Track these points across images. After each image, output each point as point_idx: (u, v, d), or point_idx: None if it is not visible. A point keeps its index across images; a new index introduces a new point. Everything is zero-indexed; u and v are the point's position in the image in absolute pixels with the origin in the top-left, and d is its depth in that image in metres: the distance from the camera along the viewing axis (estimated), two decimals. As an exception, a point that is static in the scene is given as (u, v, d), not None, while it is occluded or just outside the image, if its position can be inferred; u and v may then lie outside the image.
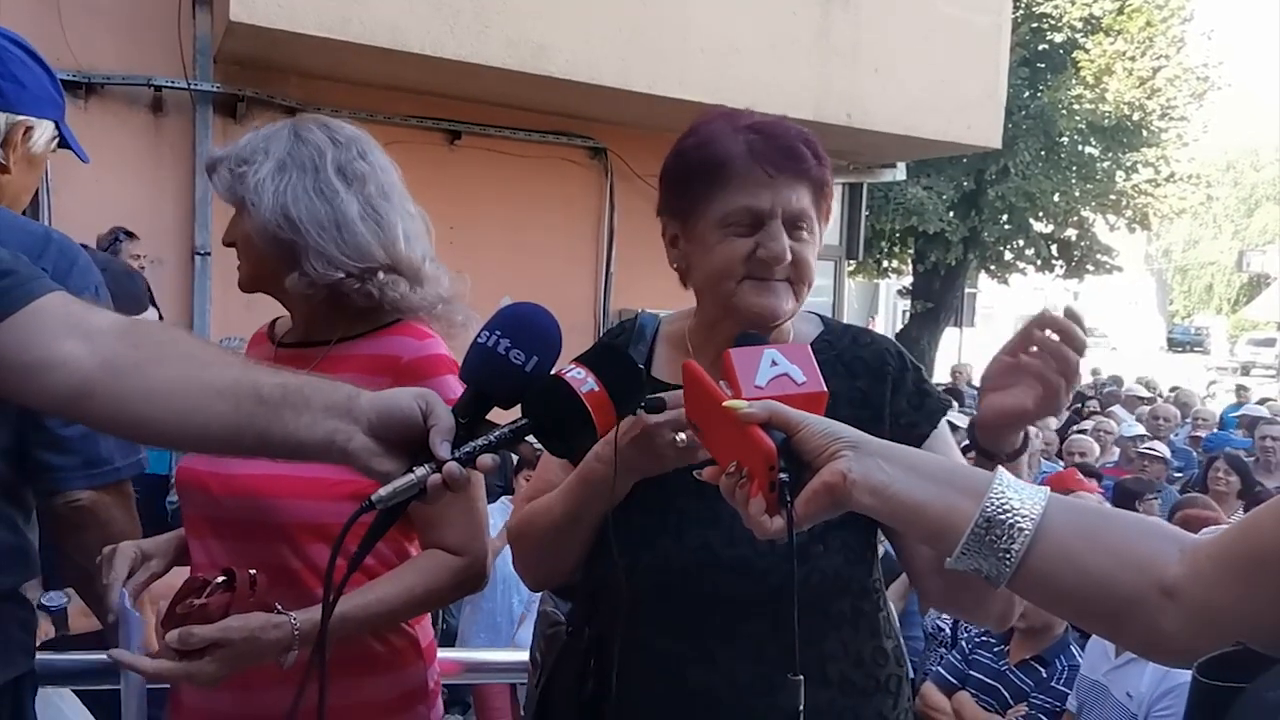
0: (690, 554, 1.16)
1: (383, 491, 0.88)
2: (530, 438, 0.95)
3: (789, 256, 1.16)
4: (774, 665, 1.14)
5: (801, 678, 0.78)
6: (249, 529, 1.31)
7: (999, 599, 1.14)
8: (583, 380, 0.92)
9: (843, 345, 1.26)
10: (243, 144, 1.40)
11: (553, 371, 0.95)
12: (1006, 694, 3.09)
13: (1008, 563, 0.77)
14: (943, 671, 3.29)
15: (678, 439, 1.04)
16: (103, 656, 1.56)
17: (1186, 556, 0.77)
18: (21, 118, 1.45)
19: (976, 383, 12.32)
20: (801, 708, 0.77)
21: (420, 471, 0.89)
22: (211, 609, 1.12)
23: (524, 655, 1.65)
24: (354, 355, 1.38)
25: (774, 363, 0.89)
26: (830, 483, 0.80)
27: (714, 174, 1.18)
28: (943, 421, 1.24)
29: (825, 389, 0.90)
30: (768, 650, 1.15)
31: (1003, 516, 0.77)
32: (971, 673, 3.20)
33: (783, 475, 0.80)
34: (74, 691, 1.81)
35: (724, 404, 0.84)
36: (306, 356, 1.39)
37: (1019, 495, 0.78)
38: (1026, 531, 0.77)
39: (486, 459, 0.91)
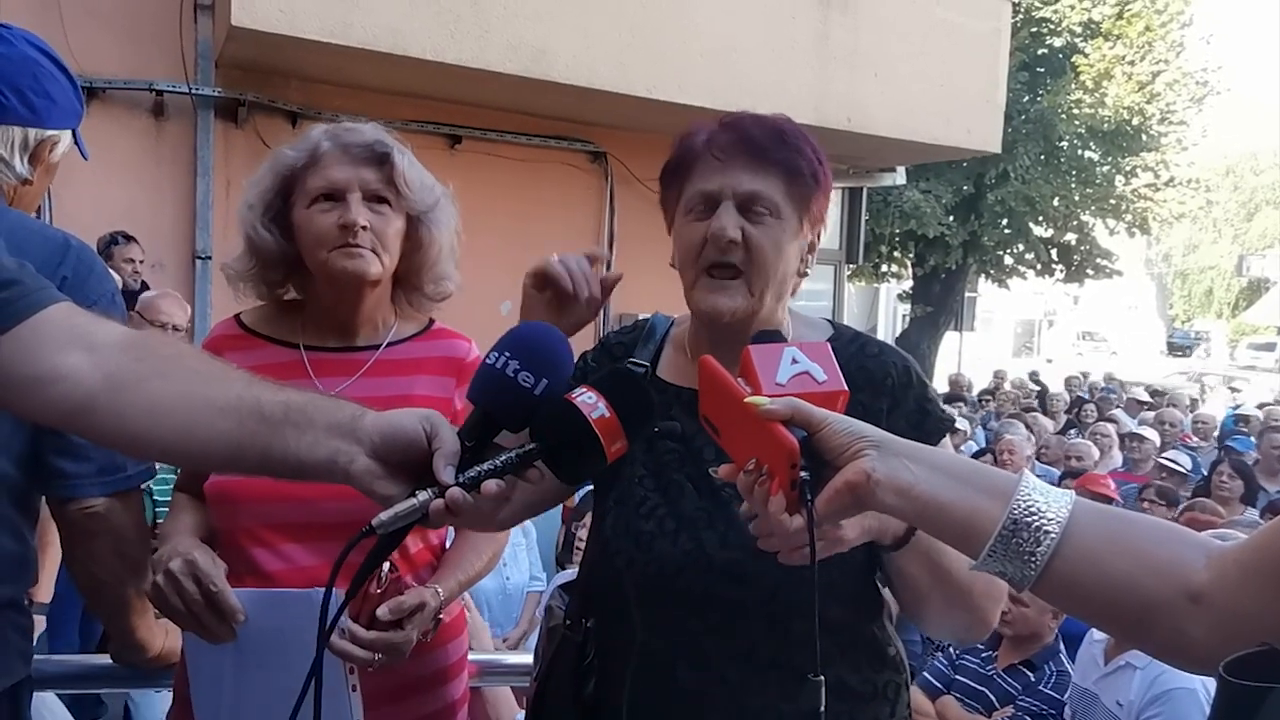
0: (684, 555, 1.16)
1: (383, 516, 0.86)
2: (538, 462, 0.92)
3: (732, 234, 1.15)
4: (766, 666, 1.14)
5: (822, 679, 0.77)
6: (350, 529, 1.30)
7: (955, 612, 1.14)
8: (593, 405, 0.89)
9: (848, 355, 1.23)
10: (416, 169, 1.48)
11: (563, 394, 0.92)
12: (993, 697, 3.07)
13: (1033, 566, 0.76)
14: (928, 676, 3.28)
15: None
16: (94, 660, 1.56)
17: (1213, 562, 0.76)
18: (51, 133, 1.46)
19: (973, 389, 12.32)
20: (823, 709, 0.75)
21: (423, 496, 0.86)
22: (396, 591, 1.30)
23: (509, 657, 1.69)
24: (420, 358, 1.47)
25: (794, 360, 0.88)
26: (853, 481, 0.79)
27: (680, 167, 1.23)
28: (945, 437, 1.23)
29: (846, 388, 0.89)
30: (760, 651, 1.14)
31: (1029, 519, 0.76)
32: (957, 677, 3.19)
33: (804, 473, 0.78)
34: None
35: (746, 400, 0.83)
36: (357, 360, 1.45)
37: (1045, 498, 0.77)
38: (1052, 535, 0.76)
39: (491, 484, 0.88)
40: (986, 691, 3.08)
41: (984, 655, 3.16)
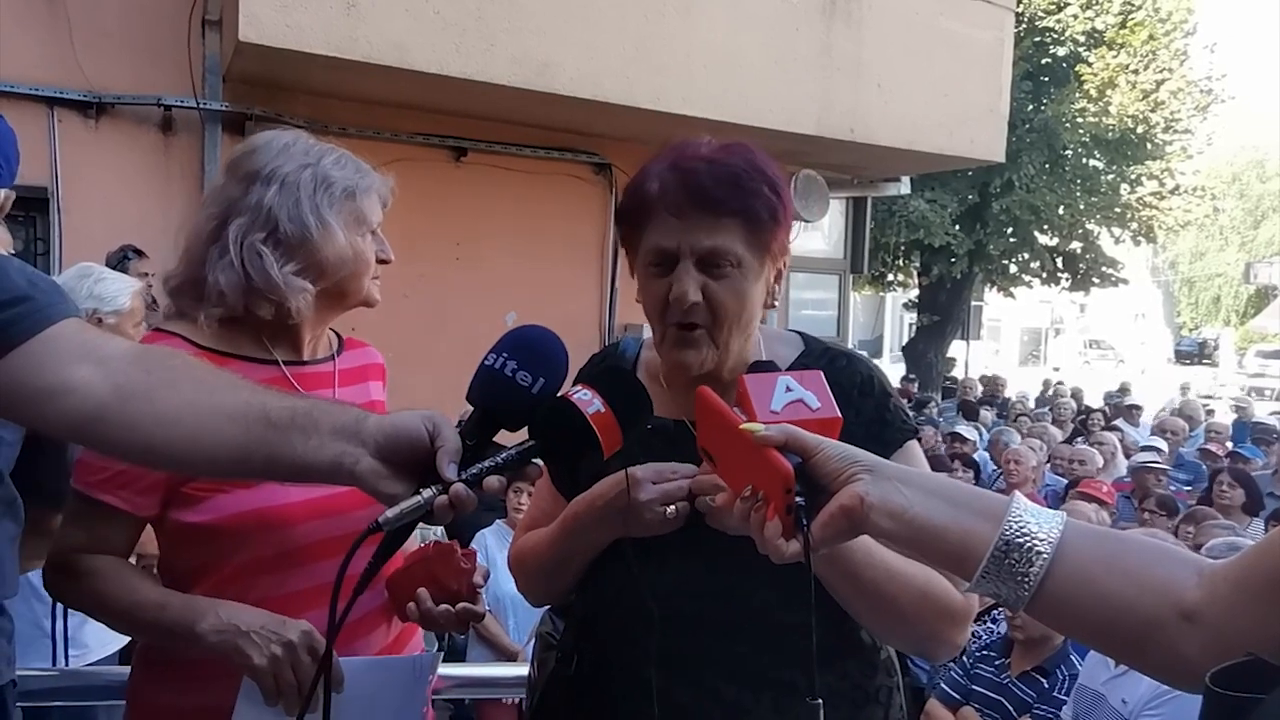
0: (672, 580, 1.17)
1: (390, 514, 0.89)
2: (537, 459, 0.95)
3: (693, 298, 1.12)
4: (755, 682, 1.15)
5: (820, 701, 0.77)
6: (329, 547, 1.31)
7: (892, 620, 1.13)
8: (589, 401, 0.92)
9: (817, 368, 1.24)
10: None
11: (559, 393, 0.95)
12: (1010, 706, 3.08)
13: (1026, 587, 0.77)
14: (946, 687, 3.29)
15: (667, 512, 1.08)
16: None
17: (1205, 581, 0.77)
18: (5, 191, 1.53)
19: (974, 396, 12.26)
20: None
21: (427, 493, 0.89)
22: (473, 558, 1.33)
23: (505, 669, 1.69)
24: (362, 365, 1.52)
25: (788, 388, 0.89)
26: (848, 506, 0.80)
27: (636, 213, 1.19)
28: (909, 444, 1.22)
29: (840, 415, 0.90)
30: (749, 666, 1.15)
31: (1021, 540, 0.77)
32: (974, 687, 3.20)
33: (799, 499, 0.80)
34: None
35: (741, 427, 0.85)
36: (325, 372, 1.48)
37: (1037, 519, 0.78)
38: (1045, 556, 0.77)
39: (493, 480, 0.91)
40: (1003, 700, 3.10)
41: (998, 663, 3.17)
